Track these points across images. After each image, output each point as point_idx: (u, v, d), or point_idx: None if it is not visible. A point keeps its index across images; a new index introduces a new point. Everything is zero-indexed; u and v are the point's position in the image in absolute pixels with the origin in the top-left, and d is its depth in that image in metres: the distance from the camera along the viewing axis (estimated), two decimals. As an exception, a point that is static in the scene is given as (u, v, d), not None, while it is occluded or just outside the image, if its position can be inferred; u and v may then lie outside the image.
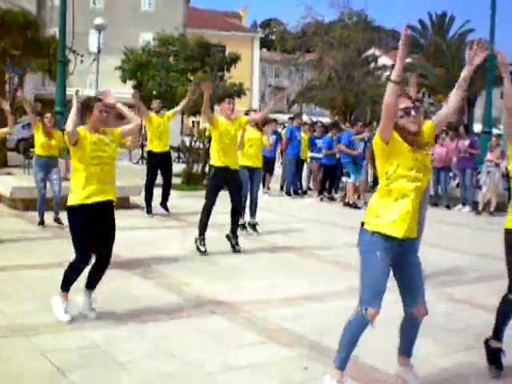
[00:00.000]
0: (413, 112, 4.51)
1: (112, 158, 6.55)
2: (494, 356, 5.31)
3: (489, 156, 16.46)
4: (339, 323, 6.56)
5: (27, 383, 4.88)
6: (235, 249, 10.01)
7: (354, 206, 16.31)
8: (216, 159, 9.89)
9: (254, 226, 11.79)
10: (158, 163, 13.34)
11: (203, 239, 9.80)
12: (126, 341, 5.87)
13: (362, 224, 4.64)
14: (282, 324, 6.52)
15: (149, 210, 13.24)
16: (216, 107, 10.17)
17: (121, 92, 34.48)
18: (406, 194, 4.50)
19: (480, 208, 16.32)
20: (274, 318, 6.70)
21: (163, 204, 13.52)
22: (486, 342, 5.39)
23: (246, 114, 12.61)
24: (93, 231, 6.32)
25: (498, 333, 5.35)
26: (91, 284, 6.52)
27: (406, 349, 4.91)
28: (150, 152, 13.51)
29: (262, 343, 5.99)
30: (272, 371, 5.27)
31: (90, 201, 6.29)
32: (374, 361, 5.41)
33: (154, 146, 13.29)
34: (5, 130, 10.27)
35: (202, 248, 9.73)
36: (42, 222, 11.25)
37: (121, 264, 8.68)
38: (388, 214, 4.51)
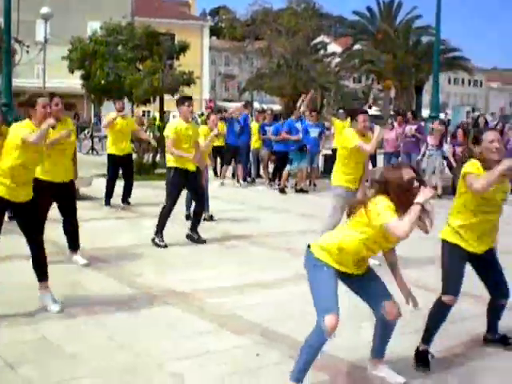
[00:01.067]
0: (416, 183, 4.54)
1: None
2: (421, 357, 5.31)
3: (430, 140, 16.61)
4: (291, 310, 6.66)
5: (-24, 379, 4.83)
6: (200, 241, 9.95)
7: (302, 191, 16.63)
8: (174, 161, 9.73)
9: (210, 217, 11.86)
10: (119, 166, 13.23)
11: (161, 236, 9.70)
12: (77, 333, 5.84)
13: (309, 246, 4.75)
14: (234, 312, 6.56)
15: (107, 202, 13.16)
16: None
17: (69, 83, 34.09)
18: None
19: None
20: (226, 306, 6.74)
21: (124, 201, 13.40)
22: (417, 348, 5.41)
23: (202, 114, 12.68)
24: None
25: (427, 337, 5.38)
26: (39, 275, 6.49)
27: (379, 351, 4.96)
28: (110, 155, 13.31)
29: (214, 331, 6.02)
30: (224, 359, 5.30)
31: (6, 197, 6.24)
32: (339, 352, 5.44)
33: (115, 149, 13.15)
34: None
35: (162, 243, 9.61)
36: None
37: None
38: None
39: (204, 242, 9.94)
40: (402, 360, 5.30)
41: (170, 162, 9.79)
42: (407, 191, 4.46)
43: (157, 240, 9.63)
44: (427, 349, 5.35)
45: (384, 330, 4.84)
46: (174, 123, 9.89)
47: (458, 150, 16.00)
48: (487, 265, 5.49)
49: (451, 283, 5.33)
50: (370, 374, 5.01)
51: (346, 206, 8.25)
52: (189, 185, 9.92)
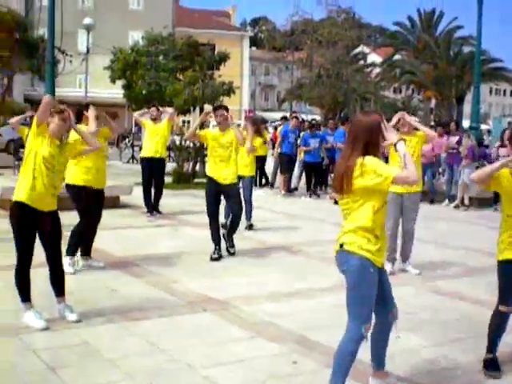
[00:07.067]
0: None
1: (60, 171, 6.36)
2: (489, 364, 5.31)
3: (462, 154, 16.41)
4: (327, 318, 6.69)
5: (18, 381, 4.94)
6: (229, 251, 9.86)
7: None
8: (207, 169, 9.98)
9: (250, 227, 12.05)
10: (150, 171, 13.39)
11: (218, 250, 9.55)
12: (115, 338, 5.94)
13: (341, 245, 4.59)
14: (271, 319, 6.60)
15: (149, 210, 13.29)
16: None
17: (110, 92, 34.49)
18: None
19: (458, 202, 16.33)
20: (263, 314, 6.78)
21: (154, 208, 13.50)
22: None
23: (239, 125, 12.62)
24: (32, 234, 6.19)
25: (490, 346, 5.37)
26: (56, 292, 6.45)
27: (380, 361, 4.85)
28: (141, 159, 13.80)
29: (250, 338, 6.07)
30: (259, 366, 5.34)
31: (32, 205, 6.12)
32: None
33: (144, 151, 13.47)
34: None
35: (214, 255, 9.49)
36: None
37: (111, 263, 8.75)
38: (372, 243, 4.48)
39: (233, 253, 9.83)
40: (437, 370, 5.28)
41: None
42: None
43: (211, 253, 9.51)
44: (491, 357, 5.33)
45: (383, 334, 4.75)
46: None
47: (503, 151, 15.73)
48: None
49: (508, 294, 5.27)
50: None
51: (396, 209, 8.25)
52: (223, 194, 9.77)
